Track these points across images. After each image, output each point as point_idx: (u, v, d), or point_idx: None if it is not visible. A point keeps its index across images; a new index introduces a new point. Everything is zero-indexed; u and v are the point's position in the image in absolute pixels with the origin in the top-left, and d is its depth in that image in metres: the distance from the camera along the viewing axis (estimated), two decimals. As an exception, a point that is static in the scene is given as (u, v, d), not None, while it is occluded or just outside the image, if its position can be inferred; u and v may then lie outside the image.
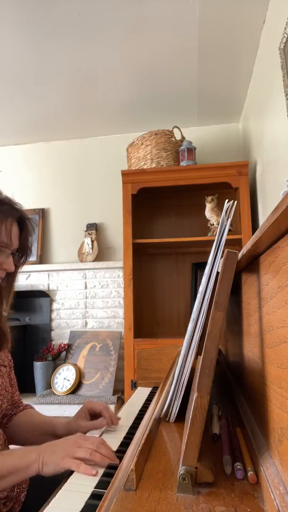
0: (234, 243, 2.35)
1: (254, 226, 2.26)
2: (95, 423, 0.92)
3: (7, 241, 0.86)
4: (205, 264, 0.70)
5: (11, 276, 0.95)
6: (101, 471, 0.66)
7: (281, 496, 0.38)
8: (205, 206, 2.36)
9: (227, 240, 0.70)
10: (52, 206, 2.96)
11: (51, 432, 0.94)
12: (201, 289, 0.68)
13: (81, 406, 0.98)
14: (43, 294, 2.78)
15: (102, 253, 2.82)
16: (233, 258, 0.56)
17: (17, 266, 0.94)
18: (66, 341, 2.65)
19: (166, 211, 2.72)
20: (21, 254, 0.95)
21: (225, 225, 0.67)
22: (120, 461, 0.68)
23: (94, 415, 0.96)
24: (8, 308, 0.96)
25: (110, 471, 0.65)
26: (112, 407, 2.16)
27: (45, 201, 2.97)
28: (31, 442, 0.97)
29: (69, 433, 0.88)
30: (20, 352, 2.68)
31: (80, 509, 0.54)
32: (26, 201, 2.93)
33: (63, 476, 0.66)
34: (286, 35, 1.41)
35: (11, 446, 1.00)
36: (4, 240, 0.86)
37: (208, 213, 2.35)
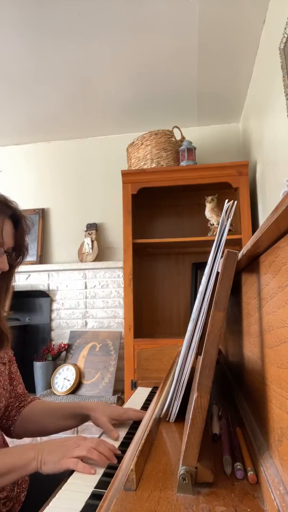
0: (234, 243, 2.35)
1: (254, 226, 2.26)
2: (111, 428, 0.85)
3: (0, 240, 0.85)
4: (205, 264, 0.70)
5: (7, 276, 0.93)
6: (101, 471, 0.66)
7: (281, 496, 0.38)
8: (205, 206, 2.36)
9: (227, 240, 0.70)
10: (52, 206, 2.96)
11: (73, 414, 0.92)
12: (201, 289, 0.68)
13: (115, 407, 0.94)
14: (43, 294, 2.78)
15: (102, 253, 2.82)
16: (233, 258, 0.56)
17: (13, 265, 0.93)
18: (66, 341, 2.65)
19: (166, 211, 2.72)
20: (17, 253, 0.93)
21: (225, 225, 0.67)
22: (119, 460, 0.68)
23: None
24: (7, 308, 0.95)
25: (110, 471, 0.65)
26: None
27: (45, 201, 2.97)
28: (47, 430, 0.96)
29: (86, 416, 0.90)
30: (20, 352, 2.68)
31: (80, 509, 0.54)
32: (26, 201, 2.93)
33: (63, 476, 0.66)
34: (286, 35, 1.41)
35: (19, 441, 1.00)
36: None
37: (208, 213, 2.35)
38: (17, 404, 0.98)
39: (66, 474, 0.67)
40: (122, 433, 0.87)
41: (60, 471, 0.68)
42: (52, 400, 2.28)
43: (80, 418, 0.92)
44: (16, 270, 0.96)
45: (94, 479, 0.63)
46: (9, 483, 0.70)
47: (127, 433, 0.86)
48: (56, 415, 0.95)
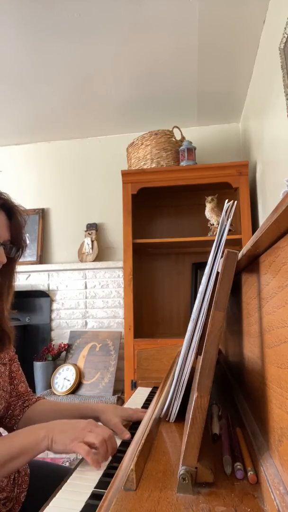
0: (234, 243, 2.35)
1: (254, 226, 2.26)
2: (123, 429, 0.84)
3: None
4: (205, 264, 0.70)
5: (8, 272, 0.92)
6: (100, 471, 0.66)
7: (281, 496, 0.38)
8: (205, 206, 2.36)
9: (227, 240, 0.70)
10: (52, 206, 2.96)
11: (83, 417, 0.90)
12: (201, 289, 0.68)
13: (124, 408, 0.92)
14: (43, 294, 2.78)
15: (102, 253, 2.82)
16: (233, 258, 0.56)
17: (12, 259, 0.91)
18: (66, 341, 2.65)
19: (166, 211, 2.72)
20: (16, 247, 0.91)
21: (225, 225, 0.67)
22: (119, 460, 0.68)
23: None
24: (9, 307, 0.94)
25: (110, 471, 0.65)
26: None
27: (45, 201, 2.97)
28: None
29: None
30: (20, 352, 2.67)
31: (80, 509, 0.54)
32: (26, 201, 2.93)
33: (63, 476, 0.66)
34: (286, 35, 1.41)
35: None
36: None
37: (208, 213, 2.35)
38: (21, 403, 0.97)
39: (66, 474, 0.67)
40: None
41: (70, 453, 0.68)
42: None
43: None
44: (16, 265, 0.94)
45: (94, 479, 0.63)
46: (22, 465, 0.70)
47: (127, 433, 0.86)
48: (63, 415, 0.92)
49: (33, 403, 0.99)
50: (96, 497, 0.57)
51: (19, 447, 0.68)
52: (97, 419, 0.89)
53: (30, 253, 2.82)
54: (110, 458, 0.69)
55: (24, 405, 0.97)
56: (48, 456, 2.31)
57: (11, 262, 0.91)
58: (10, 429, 0.96)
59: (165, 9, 1.76)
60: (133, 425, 0.90)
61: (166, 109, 2.59)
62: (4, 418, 0.95)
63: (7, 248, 0.87)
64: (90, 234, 2.78)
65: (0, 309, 0.91)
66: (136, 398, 1.20)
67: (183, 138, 2.51)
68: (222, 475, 0.49)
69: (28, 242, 0.95)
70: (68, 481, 0.64)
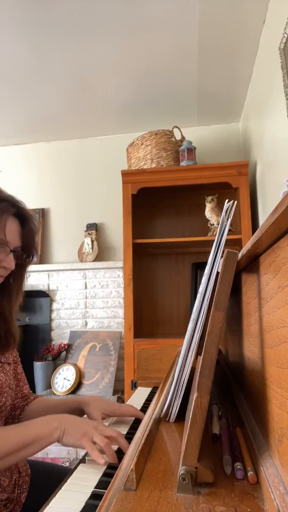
0: (234, 243, 2.35)
1: (254, 226, 2.26)
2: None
3: (3, 238, 0.83)
4: (205, 264, 0.70)
5: (18, 277, 0.93)
6: (101, 471, 0.66)
7: (281, 496, 0.38)
8: (205, 206, 2.36)
9: (227, 240, 0.70)
10: (52, 206, 2.96)
11: (70, 410, 0.94)
12: (201, 289, 0.68)
13: (110, 403, 0.94)
14: (43, 294, 2.78)
15: (102, 253, 2.82)
16: (233, 258, 0.56)
17: (21, 265, 0.92)
18: (66, 341, 2.65)
19: (166, 211, 2.72)
20: (26, 253, 0.92)
21: (225, 225, 0.67)
22: (119, 460, 0.68)
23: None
24: (17, 309, 0.95)
25: (110, 471, 0.65)
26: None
27: (45, 201, 2.97)
28: None
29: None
30: (20, 352, 2.67)
31: (80, 509, 0.54)
32: (26, 201, 2.89)
33: (63, 476, 0.66)
34: (286, 35, 1.41)
35: None
36: (1, 237, 0.83)
37: (208, 213, 2.35)
38: (23, 404, 1.00)
39: (66, 474, 0.67)
40: (123, 431, 0.87)
41: (77, 447, 0.71)
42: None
43: (77, 412, 0.93)
44: (26, 271, 0.96)
45: (94, 479, 0.63)
46: (34, 453, 0.72)
47: (127, 433, 0.86)
48: (56, 412, 0.94)
49: (31, 401, 1.01)
50: (96, 497, 0.57)
51: (33, 435, 0.70)
52: (82, 411, 0.92)
53: (30, 253, 2.82)
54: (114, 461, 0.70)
55: (24, 404, 1.00)
56: (48, 456, 2.31)
57: (21, 268, 0.93)
58: None
59: (165, 9, 1.76)
60: (133, 425, 0.90)
61: (166, 109, 2.59)
62: (8, 418, 0.96)
63: (18, 255, 0.88)
64: (90, 234, 2.78)
65: (9, 311, 0.92)
66: (136, 398, 1.20)
67: (183, 138, 2.51)
68: (222, 475, 0.49)
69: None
70: (68, 481, 0.64)
